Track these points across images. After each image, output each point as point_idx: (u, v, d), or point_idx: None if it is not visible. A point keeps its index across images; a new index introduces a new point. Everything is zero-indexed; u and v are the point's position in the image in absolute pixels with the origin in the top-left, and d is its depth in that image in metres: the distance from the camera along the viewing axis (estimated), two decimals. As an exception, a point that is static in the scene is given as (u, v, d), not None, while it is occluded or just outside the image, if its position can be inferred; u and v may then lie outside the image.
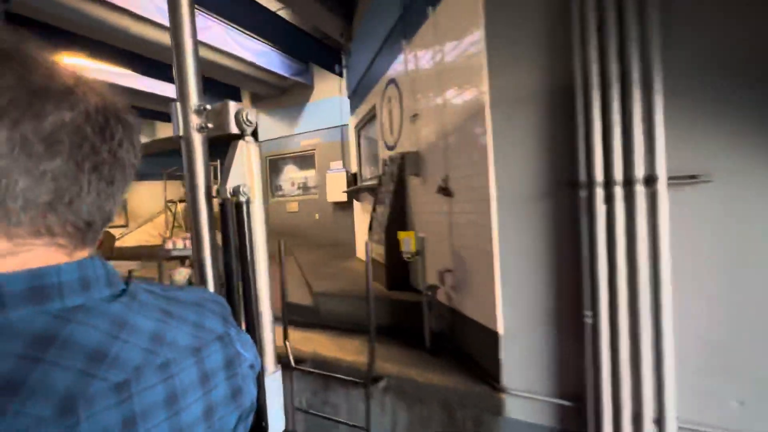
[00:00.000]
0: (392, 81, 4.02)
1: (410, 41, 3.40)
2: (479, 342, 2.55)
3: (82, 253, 0.35)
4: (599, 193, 1.93)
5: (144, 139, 10.84)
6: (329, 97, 8.19)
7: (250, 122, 0.67)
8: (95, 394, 0.29)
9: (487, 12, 2.25)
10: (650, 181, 1.84)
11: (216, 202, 0.73)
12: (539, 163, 2.18)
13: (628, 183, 1.88)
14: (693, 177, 1.81)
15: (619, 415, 1.92)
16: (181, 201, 10.11)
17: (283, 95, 8.81)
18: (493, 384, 2.36)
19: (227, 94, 8.97)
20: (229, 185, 0.66)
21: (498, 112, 2.27)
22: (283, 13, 6.30)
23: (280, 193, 9.41)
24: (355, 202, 6.10)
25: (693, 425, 1.82)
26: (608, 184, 1.91)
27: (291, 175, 9.25)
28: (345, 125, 7.94)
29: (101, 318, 0.32)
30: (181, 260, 5.13)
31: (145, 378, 0.33)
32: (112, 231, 11.11)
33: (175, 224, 10.86)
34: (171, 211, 10.94)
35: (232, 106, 0.66)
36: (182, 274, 4.75)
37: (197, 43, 0.71)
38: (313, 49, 6.93)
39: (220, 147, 0.73)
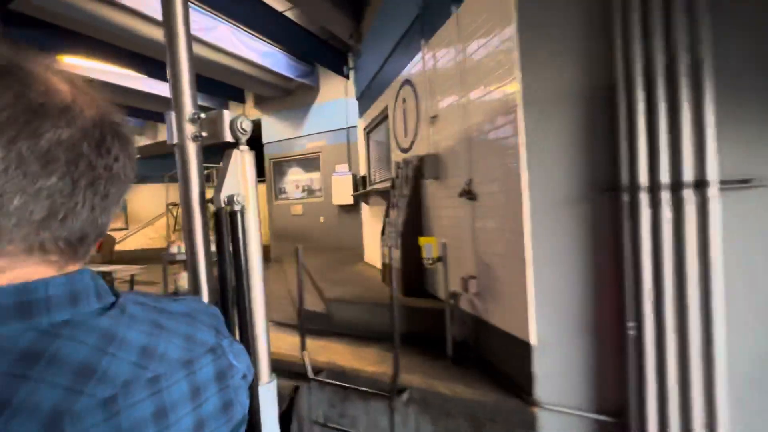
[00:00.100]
0: (407, 82, 3.93)
1: (429, 41, 3.31)
2: (508, 352, 2.44)
3: (74, 267, 0.35)
4: (644, 197, 1.84)
5: (146, 141, 10.74)
6: (334, 99, 8.09)
7: (245, 131, 0.67)
8: (82, 411, 0.28)
9: (519, 7, 2.16)
10: (700, 185, 1.74)
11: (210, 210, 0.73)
12: (576, 166, 2.08)
13: (676, 187, 1.78)
14: (745, 181, 1.72)
15: (666, 431, 1.82)
16: (183, 204, 9.98)
17: (287, 97, 8.71)
18: (525, 397, 2.25)
19: (231, 96, 8.88)
20: (223, 194, 0.64)
21: (531, 112, 2.17)
22: (290, 14, 6.21)
23: (284, 195, 9.29)
24: (363, 205, 5.99)
25: (748, 444, 1.73)
26: (654, 188, 1.82)
27: (295, 178, 9.13)
28: (351, 127, 7.85)
29: (89, 332, 0.32)
30: (185, 264, 5.01)
31: (134, 393, 0.32)
32: (112, 234, 10.97)
33: (177, 227, 10.72)
34: (173, 214, 10.82)
35: (227, 114, 0.66)
36: (186, 279, 4.64)
37: (192, 51, 0.70)
38: (319, 51, 6.84)
39: (219, 153, 0.72)
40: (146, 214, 12.17)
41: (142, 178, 12.30)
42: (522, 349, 2.27)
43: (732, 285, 1.74)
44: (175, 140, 0.68)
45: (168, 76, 0.71)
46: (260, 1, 5.52)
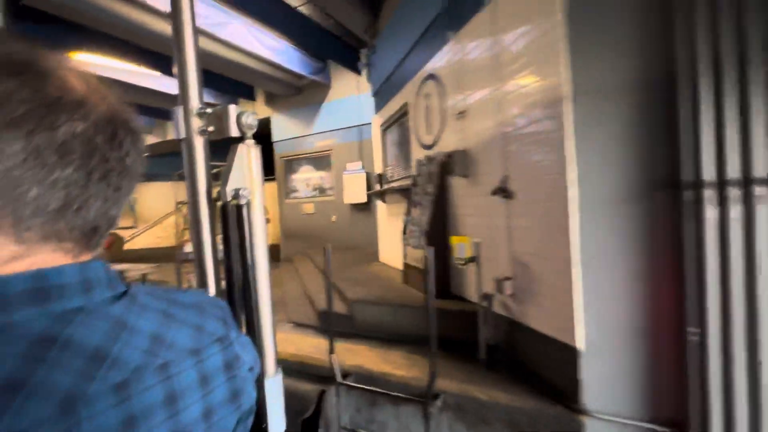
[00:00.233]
0: (431, 76, 3.81)
1: (458, 33, 3.20)
2: (550, 357, 2.32)
3: (87, 256, 0.36)
4: (709, 194, 1.72)
5: (155, 140, 10.69)
6: (346, 97, 7.99)
7: (251, 125, 0.67)
8: (95, 395, 0.29)
9: (567, -6, 2.04)
10: (773, 180, 1.62)
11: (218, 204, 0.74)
12: (629, 162, 1.96)
13: (746, 183, 1.66)
14: (824, 176, 1.60)
15: (732, 445, 1.70)
16: (192, 202, 9.92)
17: (298, 95, 8.62)
18: (570, 404, 2.14)
19: (241, 94, 8.80)
20: (230, 188, 0.65)
21: (580, 105, 2.05)
22: (303, 10, 6.11)
23: (294, 194, 9.20)
24: (379, 203, 5.88)
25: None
26: (721, 184, 1.70)
27: (306, 176, 9.04)
28: (363, 125, 7.74)
29: (102, 319, 0.33)
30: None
31: (145, 379, 0.33)
32: (121, 233, 10.94)
33: (186, 227, 10.68)
34: (182, 212, 10.76)
35: (233, 109, 0.66)
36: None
37: (198, 45, 0.72)
38: (332, 47, 6.74)
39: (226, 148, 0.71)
40: (155, 212, 12.13)
41: (151, 177, 12.28)
42: (567, 354, 2.15)
43: (807, 288, 1.61)
44: (182, 135, 0.69)
45: (174, 71, 0.71)
46: (275, -5, 5.43)
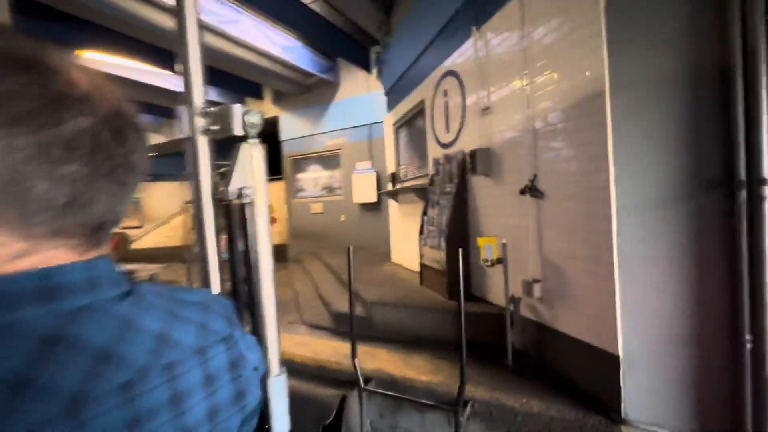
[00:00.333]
0: (450, 73, 3.72)
1: (483, 27, 3.10)
2: (586, 364, 2.23)
3: (93, 254, 0.36)
4: (768, 193, 1.62)
5: (163, 139, 10.65)
6: (356, 95, 7.91)
7: (255, 124, 0.67)
8: (101, 394, 0.29)
9: (608, -17, 1.94)
10: (840, 179, 1.52)
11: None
12: (676, 160, 1.86)
13: (810, 181, 1.56)
14: None
15: (792, 460, 1.61)
16: (200, 202, 9.88)
17: (306, 94, 8.54)
18: (609, 414, 2.04)
19: (249, 92, 8.74)
20: (233, 187, 0.65)
21: (620, 99, 1.95)
22: (315, 7, 6.02)
23: (302, 194, 9.13)
24: (390, 203, 5.79)
25: None
26: (781, 182, 1.60)
27: (315, 176, 8.96)
28: (374, 124, 7.66)
29: (108, 318, 0.32)
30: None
31: (150, 378, 0.32)
32: (128, 232, 10.92)
33: (193, 226, 10.62)
34: (189, 212, 10.72)
35: (237, 108, 0.66)
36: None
37: (203, 44, 0.73)
38: (343, 45, 6.65)
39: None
40: (161, 212, 12.10)
41: (158, 176, 12.24)
42: (606, 362, 2.06)
43: None
44: (187, 134, 0.70)
45: (178, 69, 0.72)
46: (286, -9, 5.35)
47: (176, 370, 0.35)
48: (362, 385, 2.59)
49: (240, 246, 0.67)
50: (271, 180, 10.58)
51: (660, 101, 1.89)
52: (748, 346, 1.68)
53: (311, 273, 6.33)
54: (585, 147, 2.15)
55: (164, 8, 4.99)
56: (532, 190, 2.58)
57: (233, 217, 0.65)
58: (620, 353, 1.99)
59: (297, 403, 2.39)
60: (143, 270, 6.44)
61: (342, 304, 4.07)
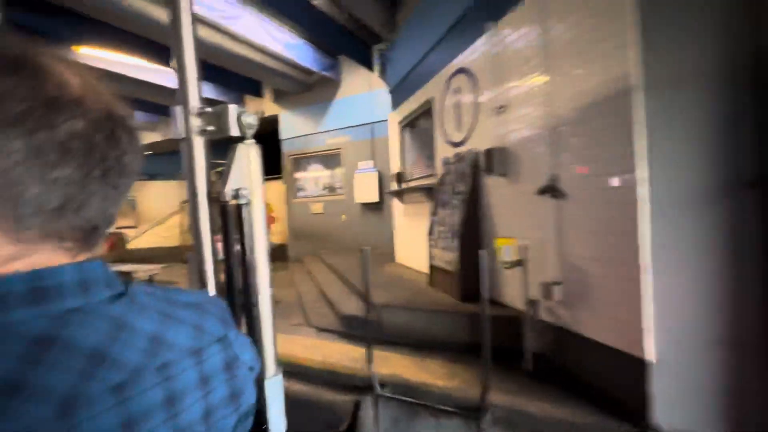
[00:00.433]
0: (462, 70, 3.65)
1: (499, 22, 3.03)
2: (611, 369, 2.16)
3: (85, 256, 0.35)
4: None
5: (158, 137, 10.48)
6: (358, 94, 7.82)
7: (251, 125, 0.67)
8: (94, 396, 0.29)
9: (640, -24, 1.88)
10: None
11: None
12: (713, 157, 1.81)
13: None
14: None
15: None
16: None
17: (307, 92, 8.43)
18: (639, 422, 1.98)
19: (249, 90, 8.61)
20: (230, 187, 0.65)
21: (653, 96, 1.89)
22: (319, 4, 5.92)
23: (303, 193, 9.02)
24: (396, 203, 5.71)
25: None
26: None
27: (315, 175, 8.86)
28: (376, 123, 7.58)
29: (101, 320, 0.32)
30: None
31: (144, 380, 0.32)
32: (125, 232, 10.73)
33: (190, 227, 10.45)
34: (186, 211, 10.54)
35: (233, 108, 0.66)
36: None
37: (198, 42, 0.72)
38: (346, 42, 6.57)
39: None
40: (156, 212, 11.92)
41: (153, 175, 12.05)
42: (633, 367, 1.99)
43: None
44: (182, 134, 0.69)
45: (173, 66, 0.70)
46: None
47: (171, 370, 0.35)
48: (379, 391, 2.51)
49: (236, 247, 0.67)
50: (270, 179, 10.40)
51: (695, 98, 1.83)
52: (789, 351, 1.63)
53: (313, 274, 6.24)
54: (613, 146, 2.09)
55: (160, 0, 4.86)
56: (552, 190, 2.52)
57: (229, 218, 0.65)
58: (650, 358, 1.93)
59: (308, 409, 2.27)
60: (142, 271, 6.30)
61: (349, 307, 3.99)
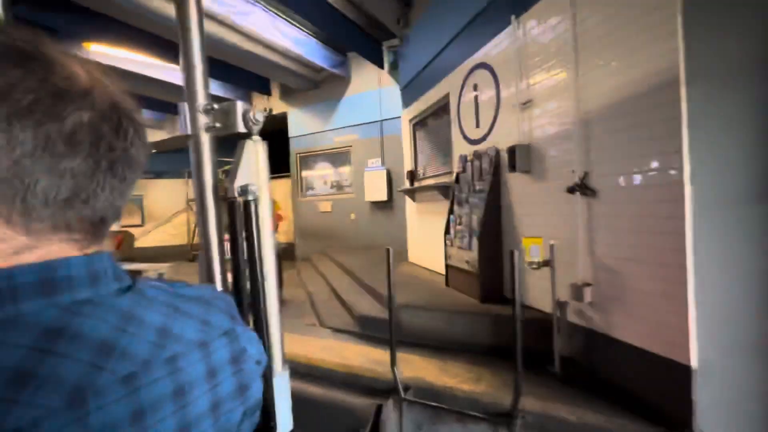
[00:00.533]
0: (482, 65, 3.56)
1: (524, 15, 2.94)
2: (650, 375, 2.08)
3: (94, 248, 0.36)
4: None
5: (165, 135, 10.43)
6: (367, 91, 7.74)
7: (257, 121, 0.67)
8: (104, 386, 0.29)
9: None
10: None
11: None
12: (762, 153, 1.72)
13: None
14: None
15: None
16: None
17: (315, 89, 8.36)
18: (681, 429, 1.90)
19: (256, 88, 8.54)
20: (237, 184, 0.64)
21: (698, 89, 1.80)
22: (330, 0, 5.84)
23: (311, 192, 8.95)
24: (408, 201, 5.63)
25: None
26: None
27: (323, 173, 8.78)
28: (385, 120, 7.50)
29: (109, 311, 0.33)
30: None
31: (153, 371, 0.33)
32: (131, 230, 10.70)
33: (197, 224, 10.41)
34: (193, 210, 10.52)
35: (240, 105, 0.66)
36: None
37: (205, 42, 0.71)
38: (356, 39, 6.48)
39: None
40: (163, 210, 11.89)
41: (160, 174, 12.01)
42: (674, 371, 1.91)
43: None
44: (189, 131, 0.69)
45: (181, 67, 0.70)
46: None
47: (179, 363, 0.35)
48: (402, 394, 2.43)
49: (243, 243, 0.66)
50: (278, 177, 10.30)
51: (743, 90, 1.75)
52: None
53: (323, 273, 6.17)
54: (652, 141, 2.00)
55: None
56: (582, 188, 2.43)
57: (237, 214, 0.64)
58: (694, 363, 1.84)
59: (327, 412, 2.17)
60: (151, 269, 6.25)
61: (365, 307, 3.92)
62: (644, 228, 2.08)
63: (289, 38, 6.41)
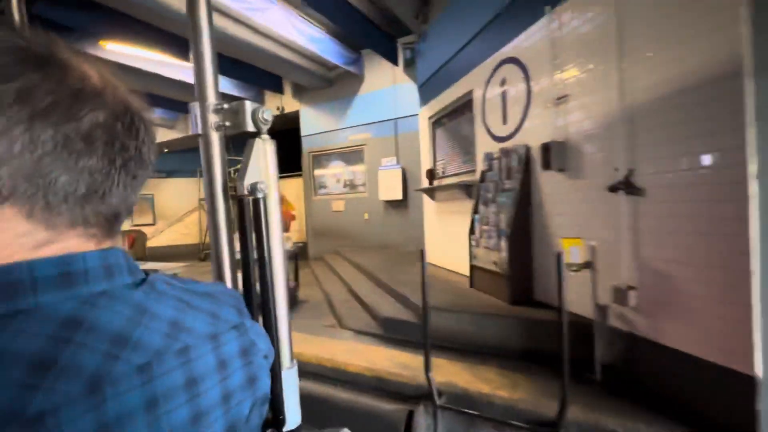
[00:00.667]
0: (511, 60, 3.44)
1: (558, 6, 2.82)
2: (705, 385, 1.96)
3: (108, 243, 0.37)
4: None
5: (175, 135, 10.43)
6: (381, 89, 7.64)
7: (267, 120, 0.68)
8: (120, 375, 0.30)
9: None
10: None
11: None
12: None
13: None
14: None
15: None
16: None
17: (328, 87, 8.28)
18: (743, 444, 1.78)
19: (269, 86, 8.49)
20: (246, 182, 0.65)
21: (765, 81, 1.68)
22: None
23: (324, 191, 8.88)
24: (426, 201, 5.52)
25: None
26: None
27: (336, 172, 8.71)
28: (399, 118, 7.40)
29: (124, 304, 0.34)
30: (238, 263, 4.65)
31: (166, 362, 0.33)
32: (143, 230, 10.74)
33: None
34: (205, 209, 10.50)
35: (249, 104, 0.66)
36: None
37: (215, 42, 0.71)
38: (371, 35, 6.39)
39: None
40: (174, 209, 11.91)
41: (171, 173, 12.04)
42: (735, 382, 1.79)
43: None
44: (200, 130, 0.69)
45: (192, 65, 0.72)
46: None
47: (190, 354, 0.36)
48: (437, 401, 2.34)
49: (252, 240, 0.67)
50: (290, 176, 10.25)
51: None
52: None
53: (339, 273, 6.09)
54: (710, 137, 1.88)
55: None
56: (627, 186, 2.31)
57: (246, 212, 0.65)
58: (758, 373, 1.72)
59: (356, 418, 2.05)
60: (164, 269, 6.25)
61: (388, 309, 3.83)
62: (698, 229, 1.96)
63: (303, 35, 6.34)
